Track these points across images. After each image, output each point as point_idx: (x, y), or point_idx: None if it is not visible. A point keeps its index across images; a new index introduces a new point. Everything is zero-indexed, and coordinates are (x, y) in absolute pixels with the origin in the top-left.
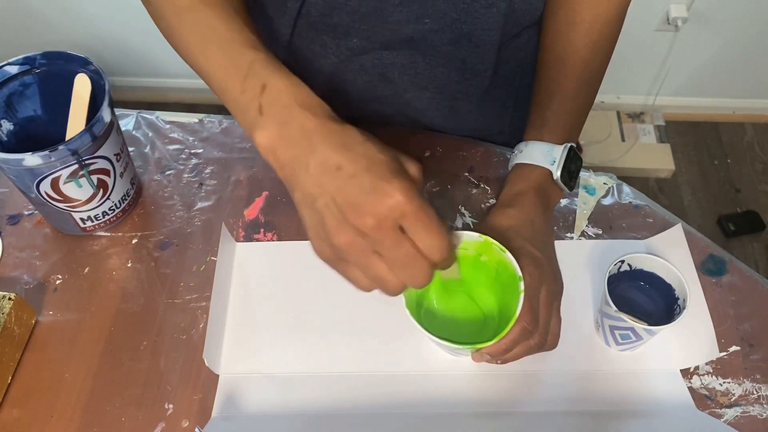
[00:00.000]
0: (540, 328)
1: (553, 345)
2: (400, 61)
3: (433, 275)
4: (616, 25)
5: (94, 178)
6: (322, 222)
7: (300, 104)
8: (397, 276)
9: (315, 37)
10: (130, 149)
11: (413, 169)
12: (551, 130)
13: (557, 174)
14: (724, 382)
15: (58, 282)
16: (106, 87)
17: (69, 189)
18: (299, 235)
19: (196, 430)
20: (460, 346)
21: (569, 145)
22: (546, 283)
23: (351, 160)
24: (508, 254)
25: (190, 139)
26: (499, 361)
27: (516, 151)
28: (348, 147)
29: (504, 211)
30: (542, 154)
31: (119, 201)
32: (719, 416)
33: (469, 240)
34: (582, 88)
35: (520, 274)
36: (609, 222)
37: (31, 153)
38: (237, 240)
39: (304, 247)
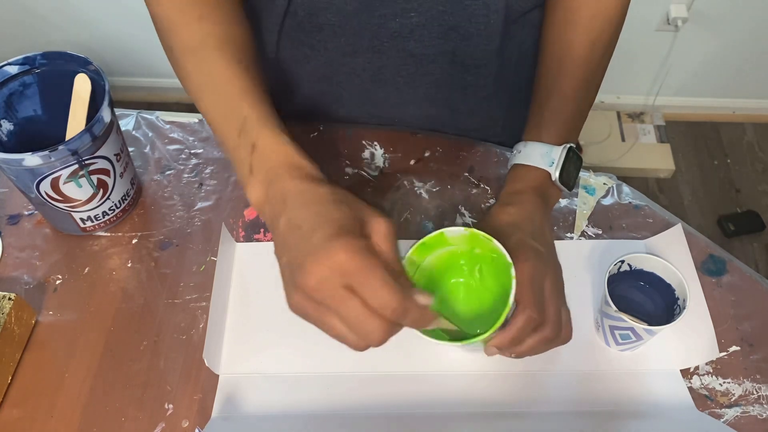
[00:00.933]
0: (551, 319)
1: (568, 337)
2: (391, 63)
3: (393, 332)
4: (615, 24)
5: (94, 178)
6: (283, 282)
7: (285, 165)
8: (355, 334)
9: (303, 38)
10: (130, 149)
11: (380, 226)
12: (550, 131)
13: (556, 175)
14: (724, 382)
15: (58, 282)
16: (106, 87)
17: (69, 189)
18: None
19: (196, 430)
20: (453, 344)
21: (568, 145)
22: (549, 276)
23: (308, 220)
24: (495, 242)
25: (190, 139)
26: (513, 355)
27: (515, 152)
28: (311, 205)
29: (504, 209)
30: (541, 156)
31: (119, 201)
32: (719, 416)
33: (456, 235)
34: (581, 88)
35: (509, 260)
36: (609, 222)
37: (31, 153)
38: (237, 240)
39: None
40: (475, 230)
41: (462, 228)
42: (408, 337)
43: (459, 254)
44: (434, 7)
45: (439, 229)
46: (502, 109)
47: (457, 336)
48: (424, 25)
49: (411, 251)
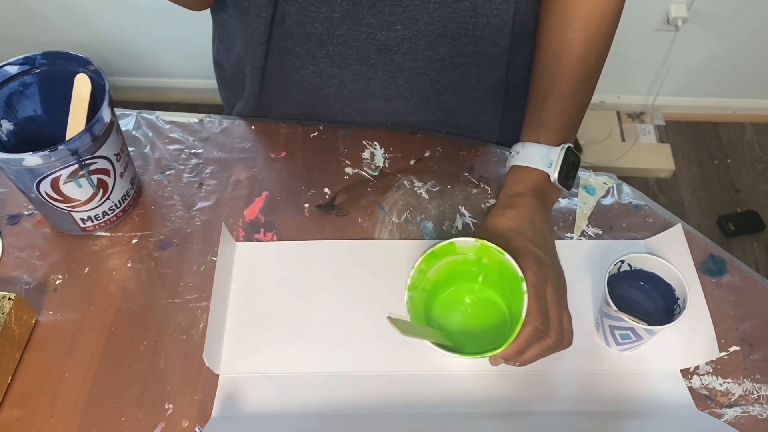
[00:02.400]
0: (554, 327)
1: (569, 342)
2: (380, 76)
3: None
4: (612, 22)
5: (94, 178)
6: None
7: None
8: None
9: (291, 47)
10: (130, 149)
11: None
12: (548, 131)
13: (554, 176)
14: (724, 382)
15: (58, 282)
16: (106, 87)
17: (69, 189)
18: (299, 235)
19: (196, 430)
20: (471, 357)
21: (567, 146)
22: (551, 283)
23: None
24: (507, 256)
25: (190, 139)
26: (517, 364)
27: (513, 152)
28: None
29: (503, 213)
30: (539, 157)
31: (119, 201)
32: (719, 416)
33: (467, 246)
34: (578, 87)
35: (521, 275)
36: (609, 222)
37: (31, 153)
38: (237, 240)
39: (304, 247)
40: (486, 243)
41: (473, 240)
42: (409, 338)
43: (466, 263)
44: (420, 19)
45: (441, 228)
46: (498, 109)
47: (464, 334)
48: (411, 38)
49: (421, 260)
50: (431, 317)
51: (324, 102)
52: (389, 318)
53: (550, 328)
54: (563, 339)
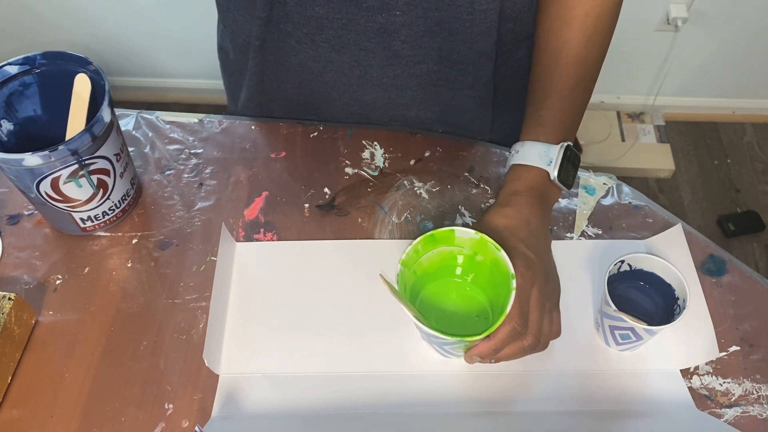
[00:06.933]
0: (532, 329)
1: (545, 346)
2: (378, 62)
3: None
4: (609, 20)
5: (94, 178)
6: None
7: None
8: None
9: (291, 30)
10: (130, 149)
11: None
12: (547, 130)
13: (554, 174)
14: (724, 382)
15: (58, 282)
16: (106, 87)
17: (69, 189)
18: (299, 235)
19: (196, 429)
20: (449, 338)
21: (566, 144)
22: (537, 285)
23: None
24: (503, 252)
25: (190, 139)
26: (493, 361)
27: (512, 151)
28: None
29: (500, 211)
30: (538, 155)
31: (119, 201)
32: (719, 416)
33: (465, 237)
34: (577, 86)
35: (512, 272)
36: (609, 222)
37: (31, 153)
38: (237, 240)
39: (304, 247)
40: (486, 237)
41: (473, 231)
42: (409, 338)
43: (459, 258)
44: (419, 5)
45: (443, 228)
46: (491, 108)
47: (441, 326)
48: (410, 25)
49: (419, 240)
50: (415, 305)
51: (322, 90)
52: (381, 275)
53: (528, 330)
54: (539, 342)
